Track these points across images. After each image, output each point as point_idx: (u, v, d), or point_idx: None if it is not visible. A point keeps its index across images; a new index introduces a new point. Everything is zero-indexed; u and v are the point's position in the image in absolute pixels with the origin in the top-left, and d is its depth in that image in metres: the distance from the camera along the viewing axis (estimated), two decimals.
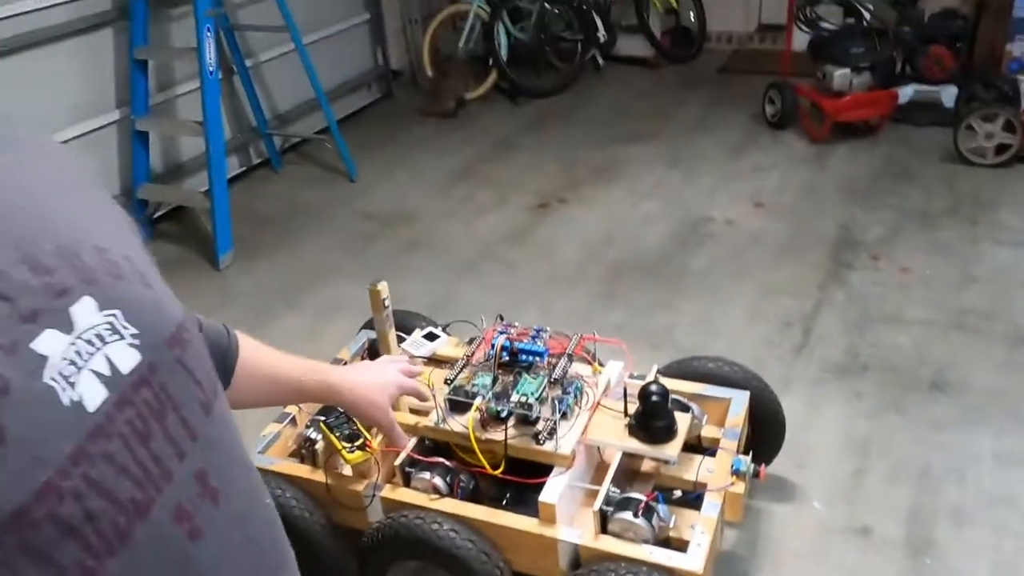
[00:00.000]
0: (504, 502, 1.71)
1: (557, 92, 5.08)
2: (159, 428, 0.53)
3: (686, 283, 3.04)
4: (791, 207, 3.51)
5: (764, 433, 2.00)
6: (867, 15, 4.01)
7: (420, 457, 1.74)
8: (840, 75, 3.90)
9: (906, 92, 3.98)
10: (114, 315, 0.53)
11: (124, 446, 0.51)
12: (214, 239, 3.38)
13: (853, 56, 3.89)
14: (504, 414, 1.67)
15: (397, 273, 3.23)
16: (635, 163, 4.05)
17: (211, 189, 3.36)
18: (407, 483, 1.74)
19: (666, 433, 1.68)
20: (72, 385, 0.49)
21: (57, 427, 0.47)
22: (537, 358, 1.77)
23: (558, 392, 1.74)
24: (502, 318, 1.92)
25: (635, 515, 1.56)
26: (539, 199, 3.78)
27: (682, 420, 1.72)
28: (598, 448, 1.81)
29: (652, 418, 1.67)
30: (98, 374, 0.50)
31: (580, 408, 1.75)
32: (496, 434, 1.67)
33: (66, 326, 0.50)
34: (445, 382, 1.78)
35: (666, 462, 1.72)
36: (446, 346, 2.02)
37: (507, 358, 1.78)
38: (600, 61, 5.39)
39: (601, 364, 1.90)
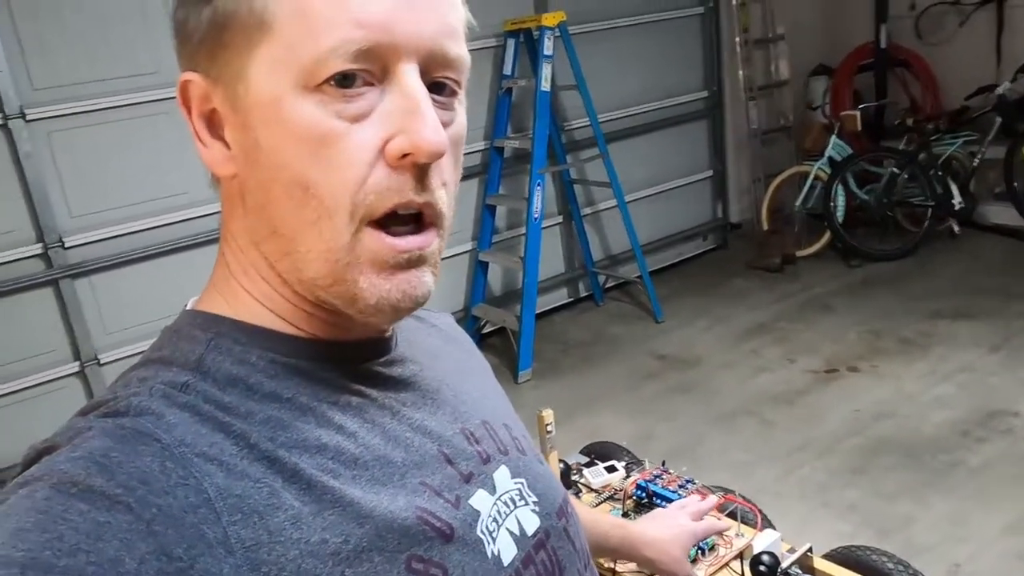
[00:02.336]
0: None
1: (896, 257, 4.88)
2: None
3: (950, 476, 2.78)
4: None
5: None
6: None
7: None
8: None
9: None
10: (521, 483, 0.62)
11: None
12: (518, 357, 3.97)
13: None
14: None
15: (659, 412, 3.47)
16: (951, 342, 3.76)
17: (522, 315, 3.96)
18: None
19: None
20: (494, 540, 0.56)
21: (481, 575, 0.55)
22: (668, 503, 1.91)
23: None
24: (664, 463, 2.09)
25: None
26: (828, 364, 3.72)
27: None
28: None
29: None
30: (511, 532, 0.58)
31: (705, 559, 1.84)
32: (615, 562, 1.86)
33: (490, 488, 0.59)
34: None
35: None
36: (618, 480, 2.24)
37: (644, 498, 1.96)
38: (956, 228, 5.05)
39: (751, 526, 1.95)
